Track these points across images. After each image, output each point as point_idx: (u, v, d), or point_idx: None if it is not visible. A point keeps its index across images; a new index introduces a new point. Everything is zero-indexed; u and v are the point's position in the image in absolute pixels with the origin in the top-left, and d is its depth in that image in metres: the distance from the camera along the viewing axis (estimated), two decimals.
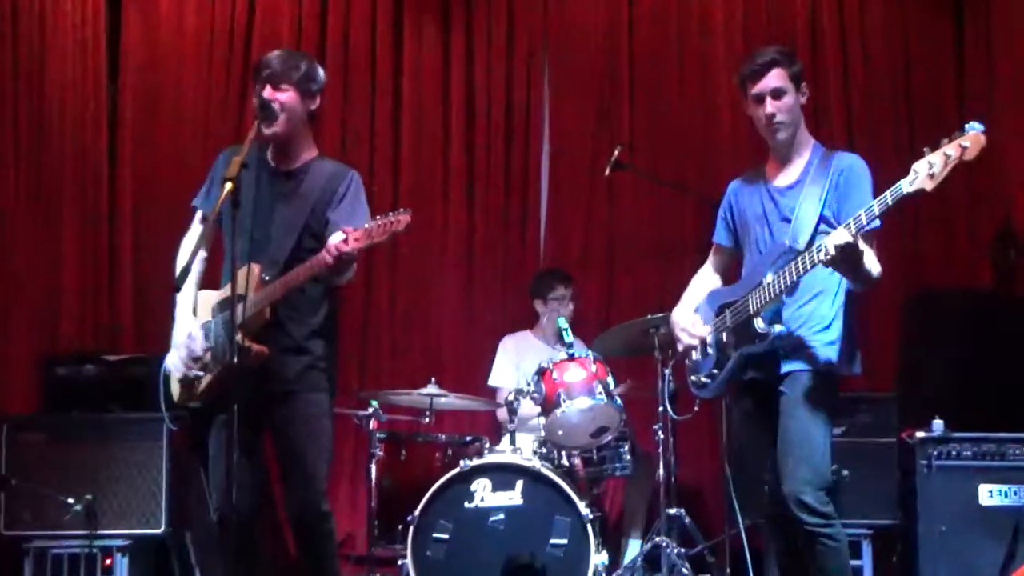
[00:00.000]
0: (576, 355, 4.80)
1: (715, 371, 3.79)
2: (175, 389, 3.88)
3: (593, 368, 4.76)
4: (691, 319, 3.90)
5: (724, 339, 3.76)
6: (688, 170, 6.19)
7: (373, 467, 4.91)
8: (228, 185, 3.40)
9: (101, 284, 6.12)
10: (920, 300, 5.61)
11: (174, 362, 3.83)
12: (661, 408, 4.92)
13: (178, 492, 5.18)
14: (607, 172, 5.67)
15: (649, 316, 5.02)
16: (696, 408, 4.49)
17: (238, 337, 3.41)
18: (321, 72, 3.86)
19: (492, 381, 5.77)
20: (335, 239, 3.53)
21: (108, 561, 5.06)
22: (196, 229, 3.97)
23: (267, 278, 3.67)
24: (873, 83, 6.19)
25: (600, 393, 4.68)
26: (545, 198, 6.35)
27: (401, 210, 3.47)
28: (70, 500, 4.96)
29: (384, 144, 6.34)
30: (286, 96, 3.76)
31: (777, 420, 3.64)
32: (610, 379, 4.80)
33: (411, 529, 4.53)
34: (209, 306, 3.86)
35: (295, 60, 3.83)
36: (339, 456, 5.97)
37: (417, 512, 4.54)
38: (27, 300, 5.99)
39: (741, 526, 4.61)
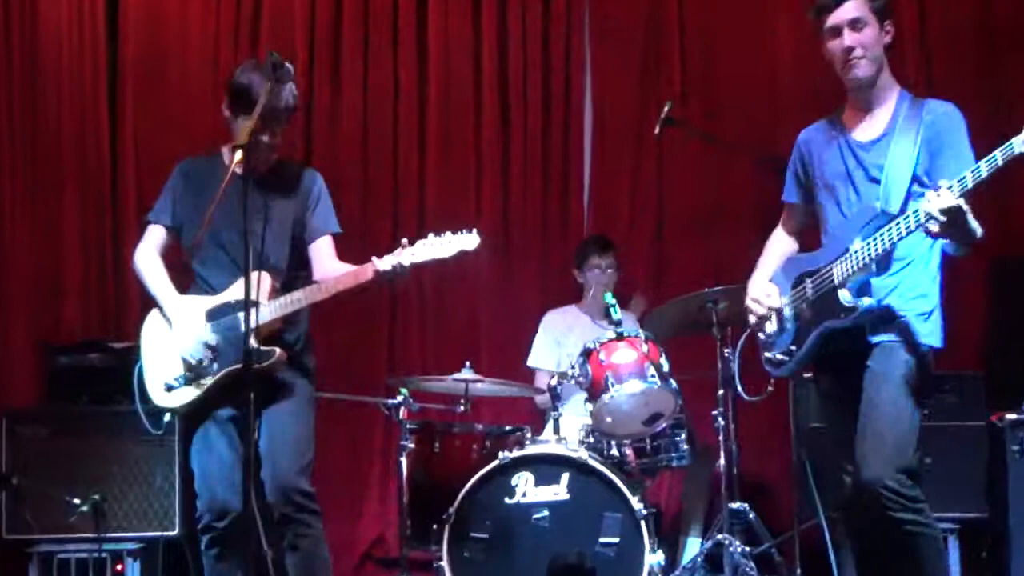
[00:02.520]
0: (625, 334, 4.75)
1: (793, 347, 3.70)
2: (157, 390, 3.98)
3: (644, 348, 4.71)
4: (765, 289, 3.81)
5: (804, 312, 3.66)
6: (745, 127, 6.11)
7: (404, 461, 4.89)
8: (238, 154, 3.42)
9: (106, 264, 6.14)
10: (1009, 267, 5.49)
11: (171, 353, 3.93)
12: (721, 391, 4.88)
13: (193, 490, 5.17)
14: (656, 132, 5.59)
15: (706, 289, 4.96)
16: (770, 388, 4.44)
17: (253, 342, 3.56)
18: (287, 77, 3.94)
19: (531, 361, 5.75)
20: (397, 257, 3.83)
21: (119, 566, 5.11)
22: (152, 242, 4.17)
23: (277, 285, 3.92)
24: (951, 20, 6.05)
25: (653, 375, 4.63)
26: (588, 162, 6.31)
27: (465, 231, 3.84)
28: (76, 500, 4.99)
29: (408, 110, 6.31)
30: (278, 138, 4.05)
31: (859, 397, 3.53)
32: (663, 360, 4.74)
33: (447, 528, 4.52)
34: (198, 312, 4.00)
35: (284, 98, 3.97)
36: (367, 449, 6.00)
37: (453, 510, 4.53)
38: (25, 283, 6.01)
39: (823, 519, 4.52)
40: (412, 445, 4.93)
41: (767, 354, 3.82)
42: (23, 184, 6.07)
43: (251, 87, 3.93)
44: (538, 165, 6.28)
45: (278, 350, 3.89)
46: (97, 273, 6.12)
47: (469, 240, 3.86)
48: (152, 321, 4.13)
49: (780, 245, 3.99)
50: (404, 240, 3.87)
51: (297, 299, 3.90)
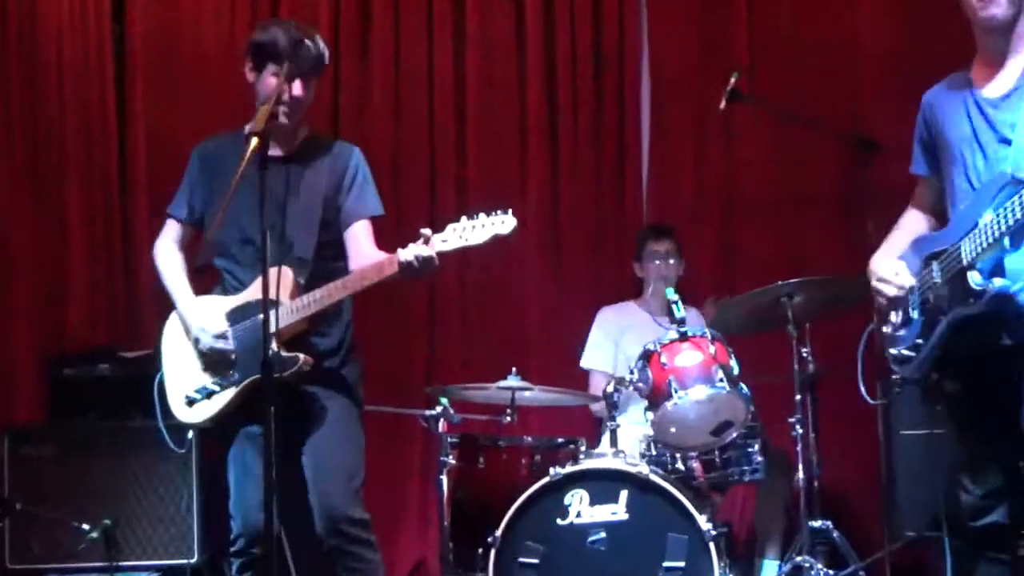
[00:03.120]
0: (690, 333, 4.70)
1: (920, 341, 3.58)
2: (179, 404, 3.98)
3: (711, 349, 4.67)
4: (893, 266, 3.69)
5: (931, 299, 3.56)
6: (823, 99, 6.06)
7: (444, 478, 4.88)
8: (254, 141, 3.42)
9: (115, 265, 6.20)
10: None
11: (192, 362, 3.92)
12: (799, 395, 4.84)
13: (214, 513, 5.20)
14: (722, 106, 5.54)
15: (780, 283, 4.92)
16: (897, 390, 4.31)
17: (274, 346, 3.53)
18: (322, 49, 4.02)
19: (585, 362, 5.74)
20: (421, 247, 3.72)
21: None
22: (169, 236, 4.20)
23: (302, 281, 3.85)
24: None
25: (721, 380, 4.59)
26: (646, 141, 6.30)
27: (501, 211, 3.68)
28: (85, 526, 5.03)
29: (444, 83, 6.31)
30: (304, 92, 3.98)
31: (993, 408, 3.43)
32: (733, 362, 4.70)
33: (493, 552, 4.49)
34: (218, 315, 3.99)
35: (311, 47, 3.95)
36: (404, 465, 6.01)
37: (500, 532, 4.49)
38: (26, 287, 6.08)
39: (945, 540, 4.37)
40: (453, 461, 4.92)
41: (891, 350, 3.69)
42: (22, 180, 6.13)
43: (276, 40, 3.91)
44: (589, 145, 6.27)
45: (302, 356, 3.84)
46: (105, 275, 6.18)
47: (505, 223, 3.72)
48: (172, 326, 4.13)
49: (910, 224, 3.84)
50: (426, 230, 3.75)
51: (318, 298, 3.84)
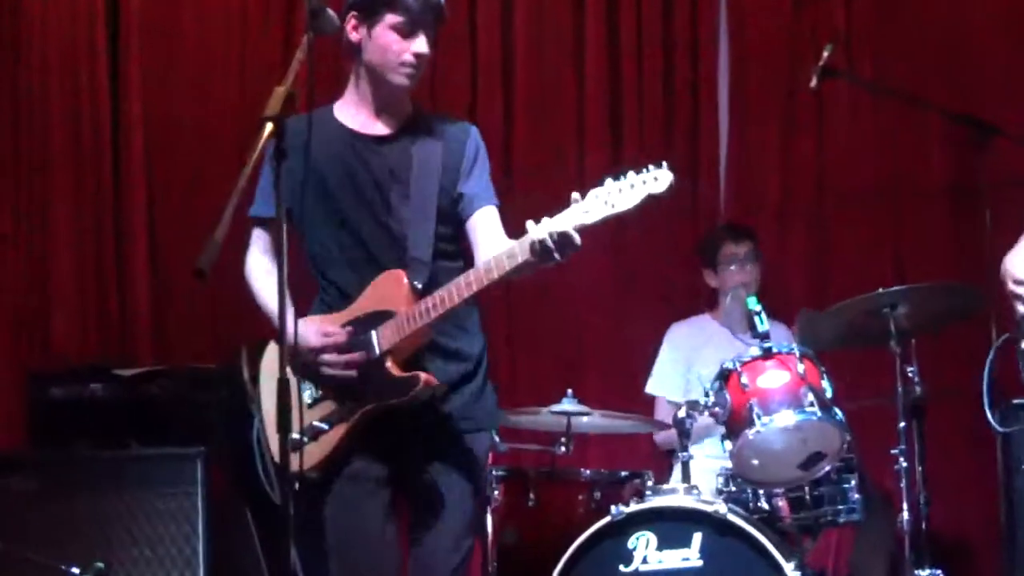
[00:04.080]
0: (775, 350, 4.72)
1: None
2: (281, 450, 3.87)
3: (800, 368, 4.68)
4: None
5: None
6: (931, 76, 6.08)
7: (490, 517, 4.91)
8: (268, 127, 3.38)
9: (106, 272, 6.29)
10: None
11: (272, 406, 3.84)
12: (903, 423, 4.83)
13: (221, 556, 5.27)
14: (813, 83, 5.58)
15: (881, 290, 4.92)
16: None
17: (390, 367, 3.59)
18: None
19: (651, 387, 5.77)
20: (555, 224, 3.54)
21: None
22: (259, 244, 3.99)
23: (419, 286, 3.71)
24: None
25: (811, 404, 4.60)
26: (725, 125, 6.33)
27: (652, 166, 3.45)
28: (75, 569, 5.07)
29: (489, 55, 6.38)
30: (429, 47, 3.83)
31: None
32: (825, 383, 4.71)
33: None
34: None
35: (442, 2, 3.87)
36: None
37: None
38: (6, 295, 6.18)
39: None
40: (500, 497, 4.96)
41: None
42: (4, 172, 6.23)
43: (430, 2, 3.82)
44: (658, 129, 6.29)
45: (423, 375, 3.68)
46: (96, 282, 6.27)
47: (659, 180, 3.45)
48: (270, 358, 3.96)
49: None
50: (575, 194, 3.55)
51: (439, 300, 3.66)
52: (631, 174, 3.45)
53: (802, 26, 6.22)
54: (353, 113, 3.90)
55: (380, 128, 3.88)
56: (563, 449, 5.09)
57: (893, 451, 4.86)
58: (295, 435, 3.72)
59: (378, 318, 3.69)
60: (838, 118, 6.18)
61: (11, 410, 5.97)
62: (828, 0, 6.21)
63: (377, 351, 3.68)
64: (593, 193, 3.50)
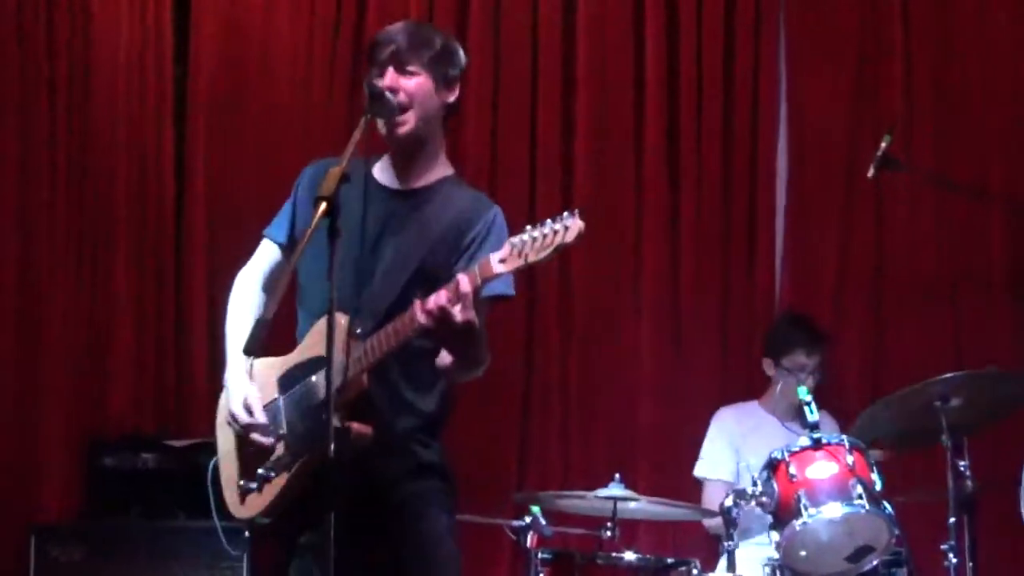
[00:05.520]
0: (824, 440, 4.68)
1: None
2: (232, 497, 3.91)
3: (850, 460, 4.63)
4: None
5: None
6: (992, 167, 6.07)
7: None
8: (322, 206, 3.40)
9: (165, 341, 6.35)
10: None
11: (228, 449, 3.88)
12: (953, 518, 4.77)
13: None
14: (871, 174, 5.56)
15: (929, 379, 4.87)
16: None
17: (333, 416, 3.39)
18: (462, 53, 3.88)
19: (699, 470, 5.76)
20: (440, 296, 3.38)
21: None
22: (260, 264, 4.02)
23: (360, 331, 3.61)
24: None
25: (860, 496, 4.55)
26: (782, 211, 6.32)
27: (566, 214, 3.31)
28: None
29: (549, 136, 6.40)
30: (415, 83, 3.76)
31: None
32: (875, 475, 4.66)
33: None
34: (270, 380, 3.83)
35: (426, 34, 3.85)
36: None
37: None
38: (65, 365, 6.23)
39: None
40: None
41: None
42: (65, 241, 6.31)
43: (391, 36, 3.76)
44: (716, 216, 6.29)
45: (355, 426, 3.55)
46: (155, 352, 6.32)
47: (570, 228, 3.27)
48: (223, 399, 3.94)
49: None
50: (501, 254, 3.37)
51: (372, 346, 3.57)
52: (546, 223, 3.30)
53: (862, 115, 6.22)
54: (384, 166, 3.86)
55: (401, 183, 3.83)
56: (609, 534, 5.04)
57: (943, 547, 4.79)
58: (245, 483, 3.75)
59: (318, 364, 3.57)
60: (897, 207, 6.15)
61: (64, 478, 6.00)
62: (888, 89, 6.21)
63: (319, 397, 3.57)
64: (509, 242, 3.37)
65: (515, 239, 3.35)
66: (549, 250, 3.29)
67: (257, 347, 3.52)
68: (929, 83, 6.21)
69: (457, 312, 3.35)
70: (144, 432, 5.99)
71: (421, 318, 3.40)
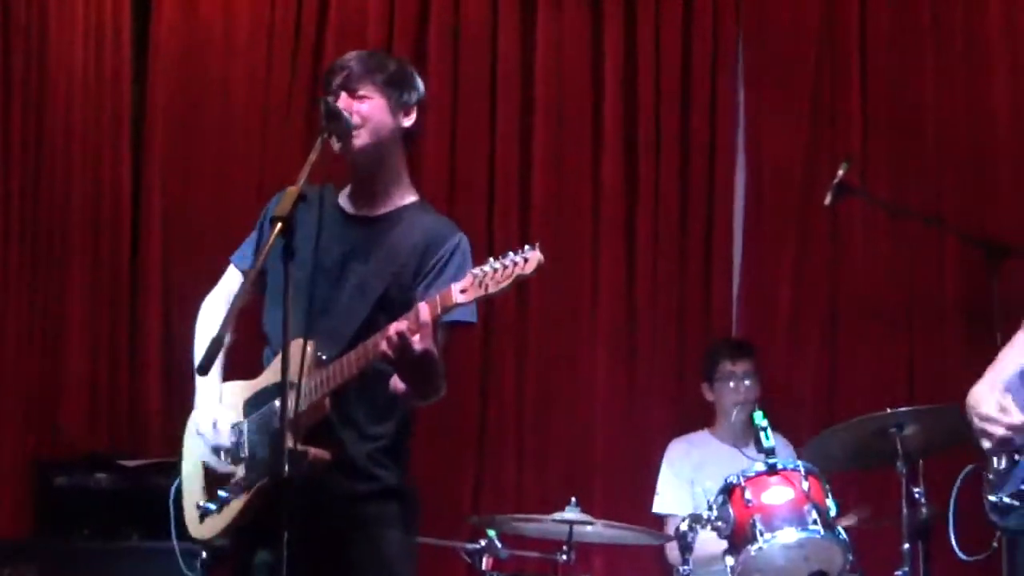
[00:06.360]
0: (780, 466, 4.70)
1: None
2: (192, 517, 3.91)
3: (805, 485, 4.65)
4: (996, 401, 3.73)
5: None
6: (947, 197, 6.10)
7: None
8: (278, 226, 3.40)
9: (119, 360, 6.32)
10: None
11: (193, 469, 3.87)
12: (907, 545, 4.79)
13: None
14: (828, 201, 5.60)
15: (889, 410, 4.90)
16: (995, 544, 4.37)
17: (290, 440, 3.40)
18: (419, 79, 3.91)
19: (657, 506, 5.75)
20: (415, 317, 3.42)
21: None
22: (226, 289, 4.04)
23: (323, 357, 3.64)
24: None
25: (815, 522, 4.56)
26: (739, 239, 6.34)
27: (527, 247, 3.37)
28: None
29: (507, 160, 6.42)
30: (368, 105, 3.79)
31: None
32: (830, 501, 4.68)
33: None
34: (238, 403, 3.85)
35: (379, 59, 3.89)
36: None
37: None
38: (17, 384, 6.19)
39: None
40: None
41: (991, 497, 3.72)
42: (18, 259, 6.26)
43: (344, 63, 3.81)
44: (673, 243, 6.30)
45: (312, 450, 3.58)
46: (108, 372, 6.29)
47: (529, 260, 3.33)
48: (192, 418, 3.97)
49: (1020, 349, 3.89)
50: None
51: (337, 370, 3.58)
52: (507, 255, 3.35)
53: (818, 145, 6.24)
54: (348, 193, 3.88)
55: (366, 210, 3.85)
56: (564, 558, 5.05)
57: (897, 573, 4.82)
58: (206, 503, 3.75)
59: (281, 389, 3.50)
60: (853, 236, 6.18)
61: (16, 499, 5.95)
62: (845, 120, 6.24)
63: (275, 423, 3.56)
64: (471, 273, 3.40)
65: (476, 270, 3.40)
66: (508, 281, 3.34)
67: (209, 365, 3.51)
68: (885, 115, 6.24)
69: (416, 341, 3.39)
70: (96, 452, 5.93)
71: (382, 345, 3.43)
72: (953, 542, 4.55)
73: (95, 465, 5.68)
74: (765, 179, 6.34)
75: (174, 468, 5.36)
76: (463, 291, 3.38)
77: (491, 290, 3.35)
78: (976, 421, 3.75)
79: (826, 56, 6.31)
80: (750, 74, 6.40)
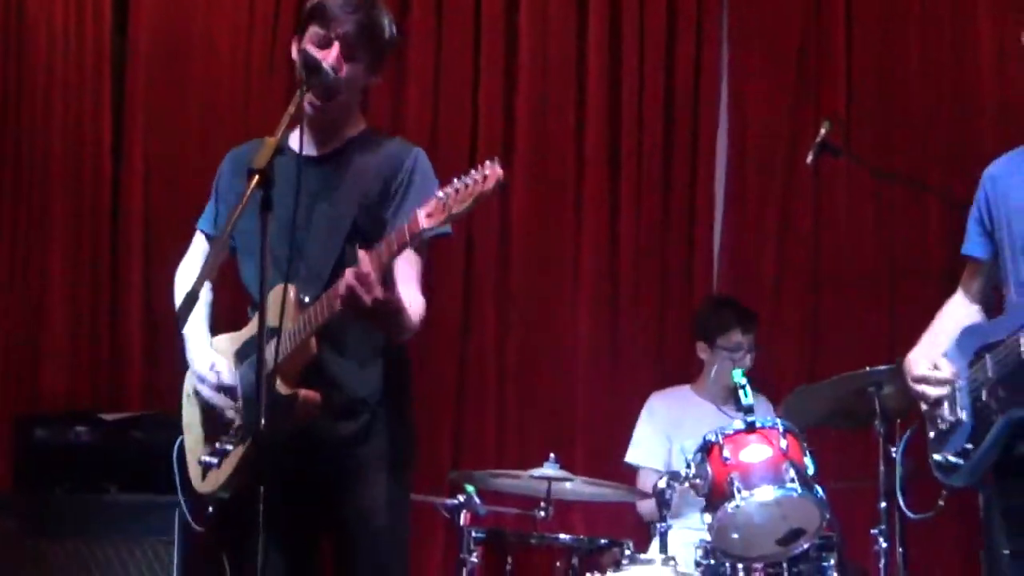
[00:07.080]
0: (758, 424, 4.72)
1: (969, 446, 3.68)
2: (195, 473, 3.90)
3: (783, 443, 4.65)
4: (931, 362, 3.80)
5: (984, 397, 3.65)
6: (931, 158, 6.12)
7: None
8: (256, 178, 3.39)
9: (100, 316, 6.32)
10: None
11: (192, 423, 3.87)
12: (883, 503, 4.82)
13: None
14: (810, 160, 5.58)
15: (868, 368, 4.92)
16: (940, 503, 4.34)
17: (279, 385, 3.45)
18: (395, 32, 3.90)
19: (631, 457, 5.76)
20: (361, 263, 3.41)
21: None
22: (199, 253, 4.07)
23: (307, 299, 3.65)
24: None
25: (793, 480, 4.57)
26: (721, 198, 6.36)
27: (487, 162, 3.32)
28: None
29: (491, 120, 6.41)
30: (354, 68, 3.78)
31: None
32: (808, 459, 4.69)
33: None
34: (228, 355, 3.85)
35: (378, 23, 3.82)
36: (420, 563, 6.00)
37: None
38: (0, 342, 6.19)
39: None
40: (477, 560, 4.92)
41: (935, 456, 3.79)
42: None
43: (344, 13, 3.72)
44: (656, 205, 6.31)
45: (302, 392, 3.62)
46: (89, 328, 6.28)
47: (489, 176, 3.29)
48: (190, 377, 3.97)
49: (956, 313, 3.98)
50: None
51: (318, 310, 3.58)
52: (469, 174, 3.32)
53: (802, 109, 6.25)
54: (298, 134, 3.80)
55: (319, 148, 3.83)
56: (543, 514, 5.06)
57: (873, 531, 4.85)
58: (207, 457, 3.75)
59: (269, 335, 3.50)
60: (836, 197, 6.19)
61: (1, 450, 5.96)
62: (829, 84, 6.25)
63: (268, 367, 3.50)
64: (435, 195, 3.38)
65: (440, 192, 3.38)
66: (471, 200, 3.32)
67: (186, 317, 3.59)
68: (870, 76, 6.25)
69: (364, 294, 3.39)
70: (78, 405, 5.94)
71: (336, 304, 3.47)
72: (901, 501, 4.58)
73: (75, 419, 5.66)
74: (749, 139, 6.35)
75: (154, 422, 5.51)
76: (428, 215, 3.37)
77: (455, 211, 3.33)
78: (912, 384, 3.80)
79: (811, 18, 6.31)
80: (734, 35, 6.40)
